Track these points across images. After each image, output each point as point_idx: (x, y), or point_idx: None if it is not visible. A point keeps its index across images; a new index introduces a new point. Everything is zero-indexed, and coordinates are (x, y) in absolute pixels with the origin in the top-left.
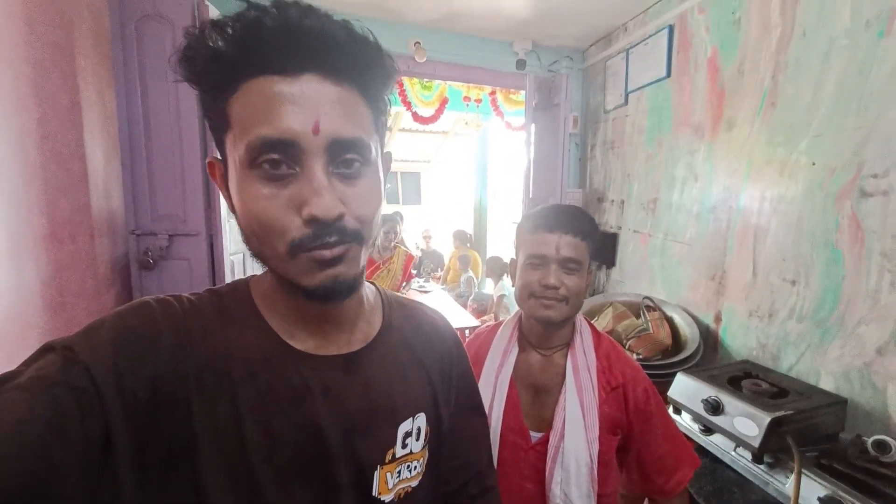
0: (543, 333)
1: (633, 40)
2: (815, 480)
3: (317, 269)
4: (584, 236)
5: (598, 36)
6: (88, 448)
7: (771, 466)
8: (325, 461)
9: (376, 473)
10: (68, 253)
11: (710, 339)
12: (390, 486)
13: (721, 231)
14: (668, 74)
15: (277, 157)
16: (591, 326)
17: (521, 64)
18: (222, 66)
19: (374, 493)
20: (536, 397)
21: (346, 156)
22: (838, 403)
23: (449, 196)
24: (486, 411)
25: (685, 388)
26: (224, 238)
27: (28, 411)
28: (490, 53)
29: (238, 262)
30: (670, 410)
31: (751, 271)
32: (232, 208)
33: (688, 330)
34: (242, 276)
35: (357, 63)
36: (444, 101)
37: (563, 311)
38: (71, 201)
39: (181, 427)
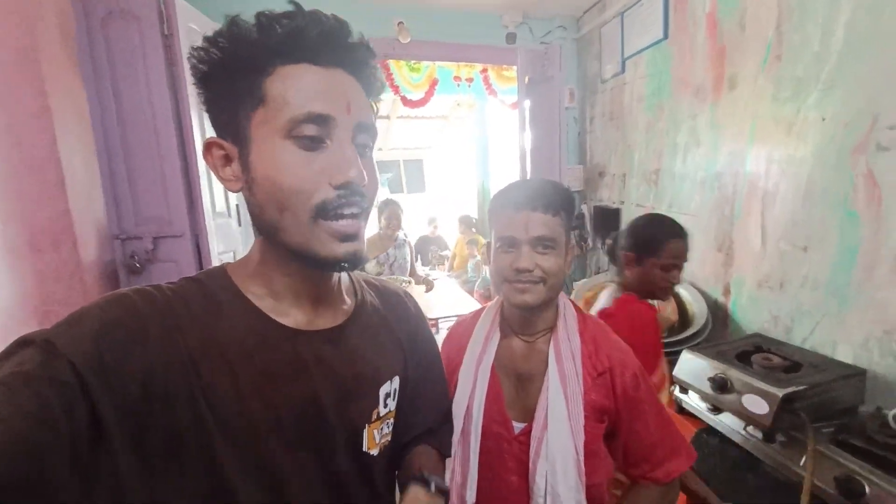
0: (524, 318)
1: (627, 3)
2: (831, 458)
3: (337, 241)
4: (555, 211)
5: (592, 1)
6: (77, 442)
7: (784, 445)
8: (324, 425)
9: (365, 431)
10: (51, 262)
11: (718, 313)
12: (377, 440)
13: (727, 198)
14: (666, 36)
15: (315, 129)
16: (577, 309)
17: (510, 37)
18: (264, 51)
19: (364, 449)
20: (520, 385)
21: (363, 138)
22: (856, 375)
23: (453, 182)
24: (468, 400)
25: (691, 366)
26: (210, 238)
27: (10, 407)
28: (478, 28)
29: (228, 260)
30: (676, 391)
31: (759, 239)
32: (237, 188)
33: (695, 305)
34: None
35: (366, 65)
36: (433, 83)
37: (541, 294)
38: (49, 209)
39: (182, 414)
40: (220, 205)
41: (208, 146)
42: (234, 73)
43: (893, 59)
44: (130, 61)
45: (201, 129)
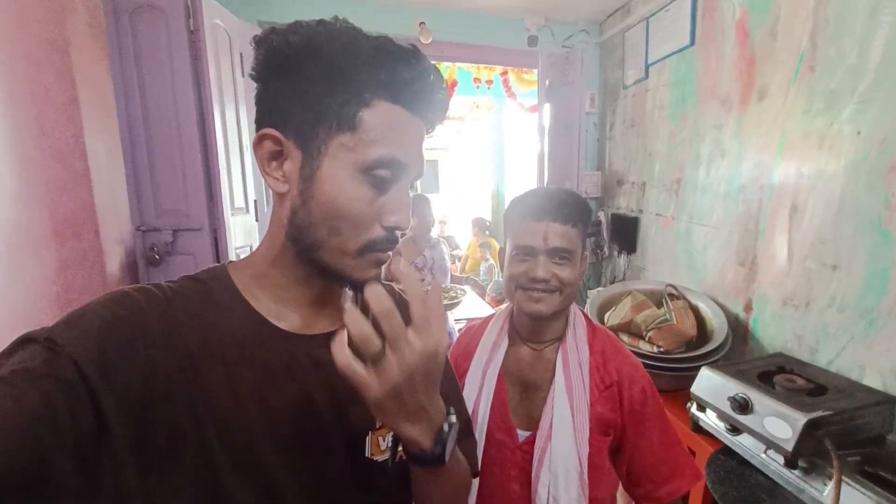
0: (534, 327)
1: (653, 7)
2: (857, 489)
3: (373, 267)
4: (574, 223)
5: (616, 5)
6: (80, 439)
7: (806, 472)
8: (320, 429)
9: (368, 438)
10: (73, 250)
11: (739, 329)
12: (382, 447)
13: (752, 212)
14: (692, 43)
15: (390, 173)
16: (587, 319)
17: (532, 40)
18: (373, 81)
19: (366, 455)
20: (525, 394)
21: (413, 181)
22: (886, 402)
23: (467, 183)
24: (473, 406)
25: (710, 383)
26: (228, 232)
27: (14, 405)
28: (500, 31)
29: (244, 255)
30: (694, 408)
31: (785, 256)
32: (283, 189)
33: (715, 320)
34: None
35: (439, 122)
36: (452, 84)
37: (555, 303)
38: (73, 198)
39: (181, 413)
40: (239, 200)
41: (264, 137)
42: (333, 85)
43: None
44: (156, 55)
45: (223, 124)
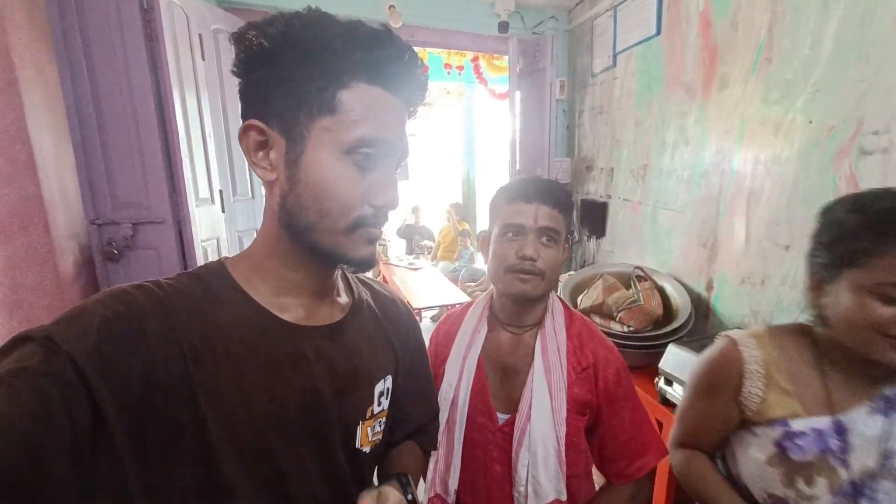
0: (515, 311)
1: None
2: None
3: (365, 244)
4: (561, 208)
5: None
6: (77, 437)
7: None
8: (323, 420)
9: (359, 428)
10: (20, 247)
11: (701, 307)
12: (370, 438)
13: (713, 196)
14: (658, 32)
15: (373, 151)
16: (564, 305)
17: (503, 26)
18: (349, 63)
19: (356, 446)
20: (505, 378)
21: (400, 161)
22: None
23: (437, 170)
24: (454, 391)
25: (676, 359)
26: (193, 224)
27: (11, 405)
28: (470, 16)
29: (212, 248)
30: (661, 382)
31: (743, 237)
32: (272, 178)
33: (679, 299)
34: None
35: (419, 101)
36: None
37: (539, 287)
38: (17, 191)
39: (183, 408)
40: (203, 190)
41: (248, 128)
42: (310, 70)
43: (879, 68)
44: (106, 34)
45: (184, 110)
